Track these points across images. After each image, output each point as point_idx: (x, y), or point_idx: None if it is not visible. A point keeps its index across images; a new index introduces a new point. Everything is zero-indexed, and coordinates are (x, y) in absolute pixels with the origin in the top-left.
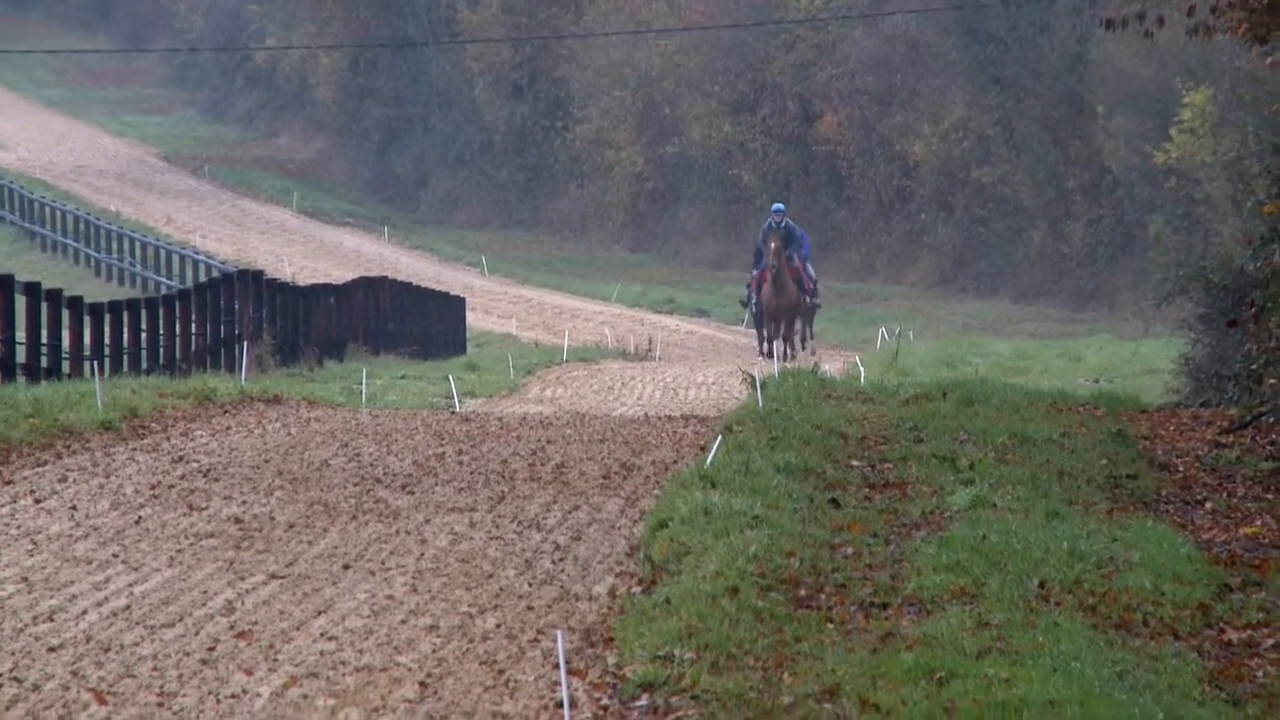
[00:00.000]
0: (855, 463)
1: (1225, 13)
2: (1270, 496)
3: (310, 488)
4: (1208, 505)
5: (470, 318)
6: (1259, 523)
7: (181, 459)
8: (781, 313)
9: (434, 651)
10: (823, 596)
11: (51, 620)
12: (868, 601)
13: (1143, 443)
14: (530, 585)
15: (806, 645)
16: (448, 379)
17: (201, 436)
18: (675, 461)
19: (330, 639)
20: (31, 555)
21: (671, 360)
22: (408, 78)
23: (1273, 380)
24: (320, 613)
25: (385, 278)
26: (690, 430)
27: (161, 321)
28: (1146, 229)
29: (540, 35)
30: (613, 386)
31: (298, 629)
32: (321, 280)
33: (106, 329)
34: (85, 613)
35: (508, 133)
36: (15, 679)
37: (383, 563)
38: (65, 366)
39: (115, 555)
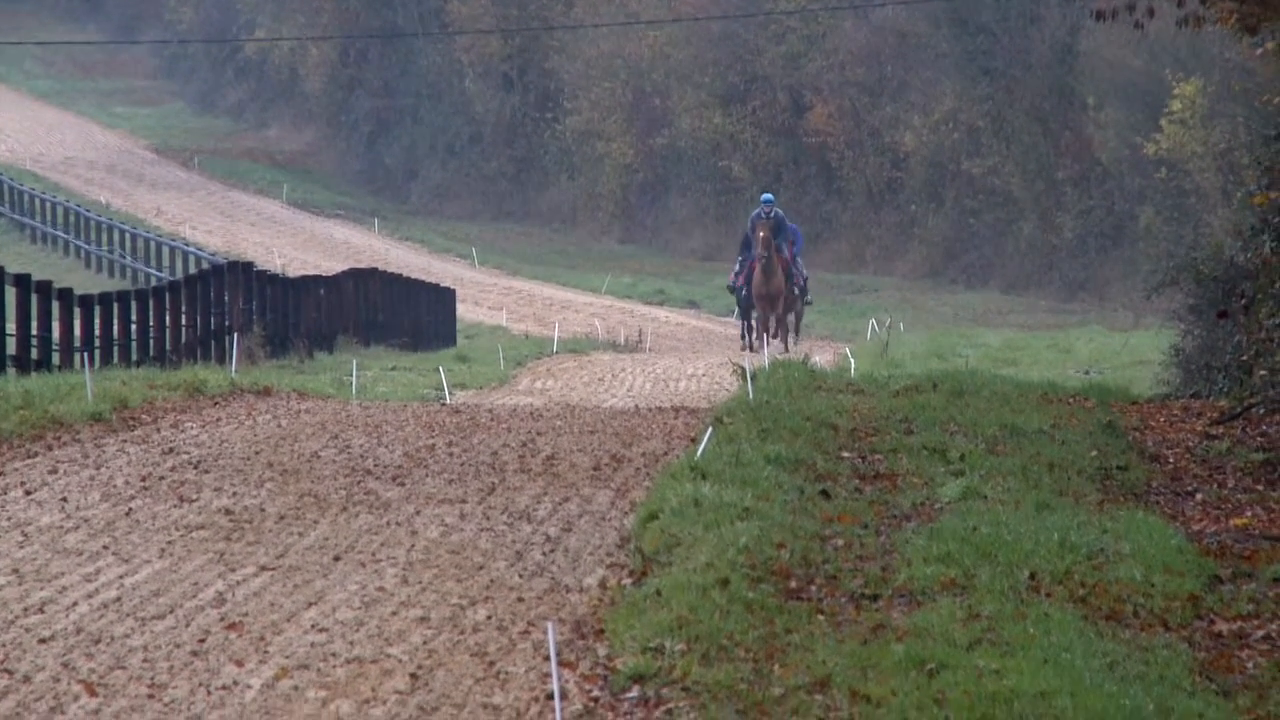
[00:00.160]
0: (846, 454)
1: (1215, 3)
2: (1260, 488)
3: (301, 479)
4: (1198, 496)
5: (460, 309)
6: (1249, 514)
7: (172, 450)
8: (770, 301)
9: (425, 643)
10: (813, 588)
11: (42, 612)
12: (858, 593)
13: (1133, 434)
14: (521, 577)
15: (797, 637)
16: (438, 370)
17: (192, 428)
18: (666, 453)
19: (321, 630)
20: (22, 547)
21: (662, 352)
22: (397, 69)
23: (1263, 371)
24: (311, 604)
25: (375, 269)
26: (681, 422)
27: (152, 313)
28: (1137, 220)
29: (530, 27)
30: (603, 378)
31: (288, 620)
32: (311, 272)
33: (97, 321)
34: (76, 604)
35: (498, 124)
36: (6, 670)
37: (373, 554)
38: (55, 358)
39: (106, 547)
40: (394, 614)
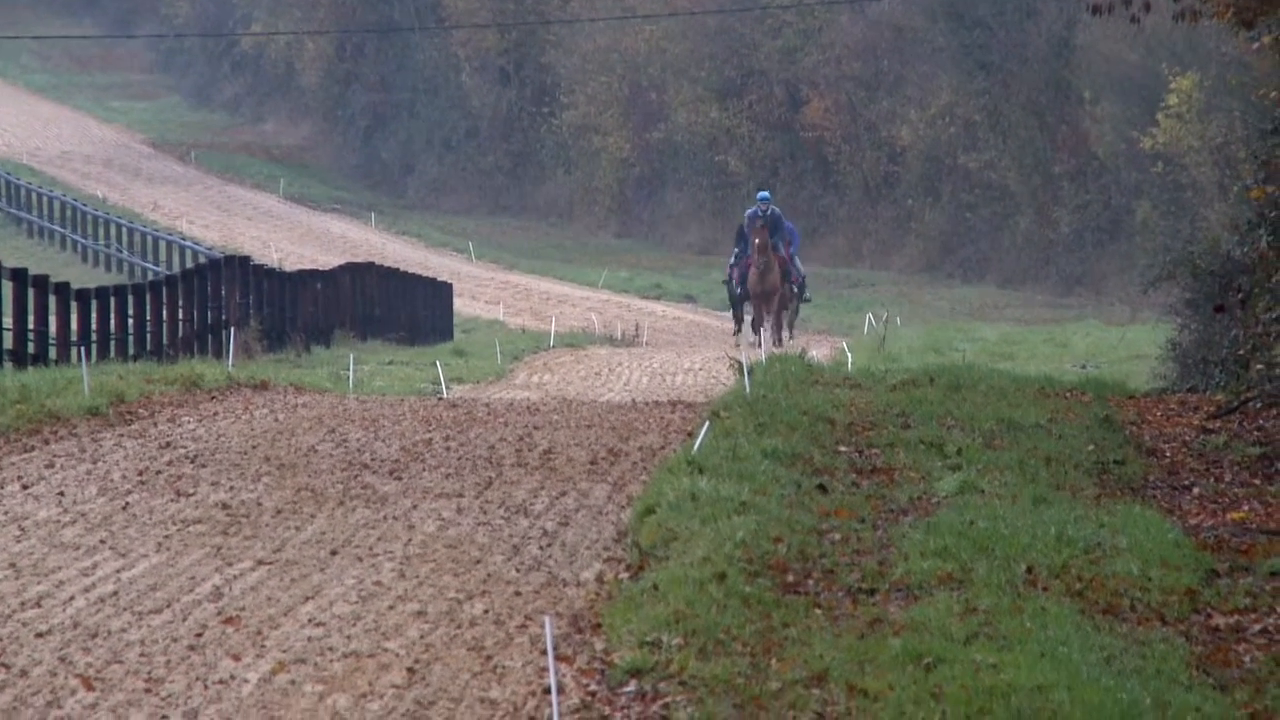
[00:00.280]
0: (843, 448)
1: None
2: (1257, 482)
3: (298, 473)
4: (1195, 490)
5: (457, 303)
6: (1246, 508)
7: (169, 445)
8: (765, 298)
9: (421, 637)
10: (810, 582)
11: (39, 606)
12: (855, 587)
13: (1130, 428)
14: (518, 571)
15: (794, 631)
16: (435, 365)
17: (189, 422)
18: (663, 447)
19: (318, 625)
20: (19, 541)
21: (659, 346)
22: (394, 63)
23: (1259, 365)
24: (308, 598)
25: (372, 264)
26: (677, 416)
27: (148, 307)
28: (1133, 214)
29: (527, 21)
30: (600, 372)
31: (285, 615)
32: (308, 266)
33: (94, 315)
34: (73, 599)
35: (494, 118)
36: (3, 665)
37: (370, 549)
38: (52, 353)
39: (103, 541)
40: (391, 608)
